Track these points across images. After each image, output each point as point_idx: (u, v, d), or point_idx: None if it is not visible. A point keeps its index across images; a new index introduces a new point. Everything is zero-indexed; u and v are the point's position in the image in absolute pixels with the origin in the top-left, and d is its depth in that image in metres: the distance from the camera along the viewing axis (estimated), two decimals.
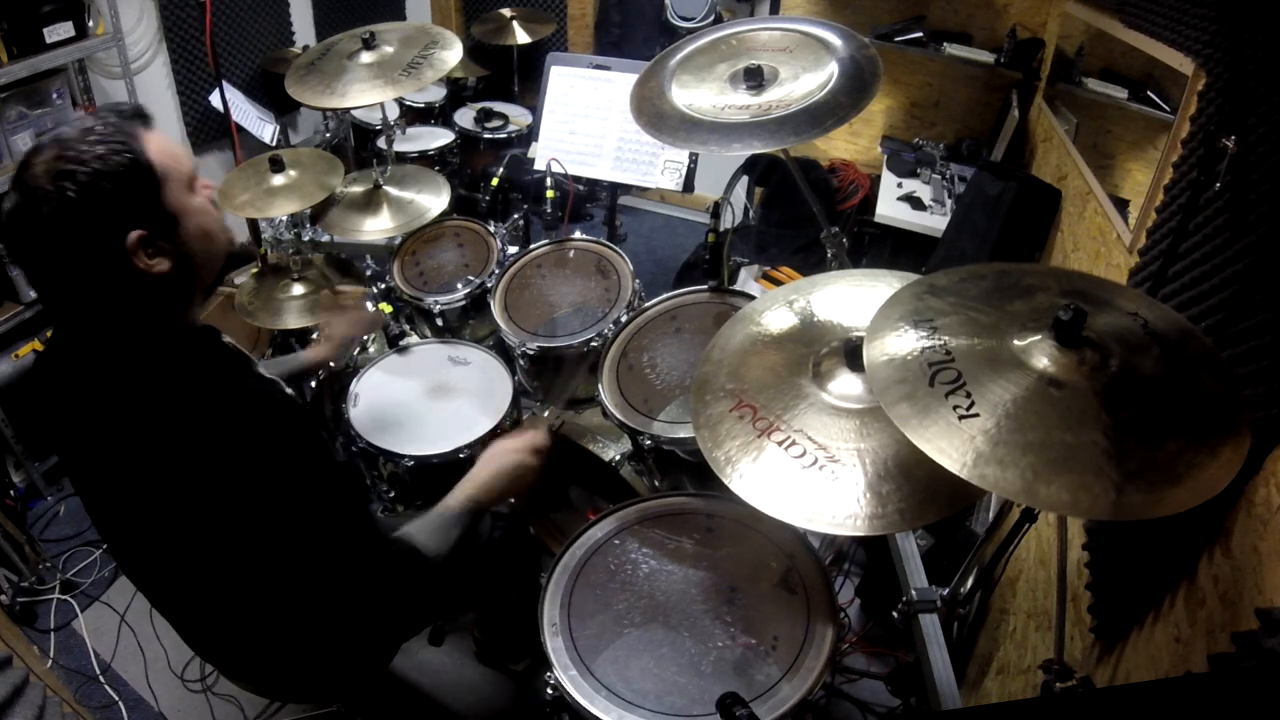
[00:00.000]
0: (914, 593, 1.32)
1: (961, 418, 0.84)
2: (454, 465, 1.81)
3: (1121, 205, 1.78)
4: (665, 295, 1.85)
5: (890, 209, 3.00)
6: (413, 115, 3.46)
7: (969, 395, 0.85)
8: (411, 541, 1.22)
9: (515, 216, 2.60)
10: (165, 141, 1.05)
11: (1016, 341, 0.90)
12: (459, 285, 2.17)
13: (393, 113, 2.28)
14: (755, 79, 1.44)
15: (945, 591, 1.28)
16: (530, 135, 2.50)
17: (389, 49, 2.08)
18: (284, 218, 2.38)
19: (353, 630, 1.24)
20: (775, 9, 3.50)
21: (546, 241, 2.17)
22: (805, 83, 1.41)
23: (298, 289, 2.18)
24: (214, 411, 1.01)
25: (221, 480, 1.01)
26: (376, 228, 2.21)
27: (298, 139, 3.80)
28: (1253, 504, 0.95)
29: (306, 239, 2.36)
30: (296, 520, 1.05)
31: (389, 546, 1.18)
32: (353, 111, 3.18)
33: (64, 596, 2.28)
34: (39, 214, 0.95)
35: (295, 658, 1.33)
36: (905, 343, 0.95)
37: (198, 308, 1.14)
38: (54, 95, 2.52)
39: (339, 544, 1.09)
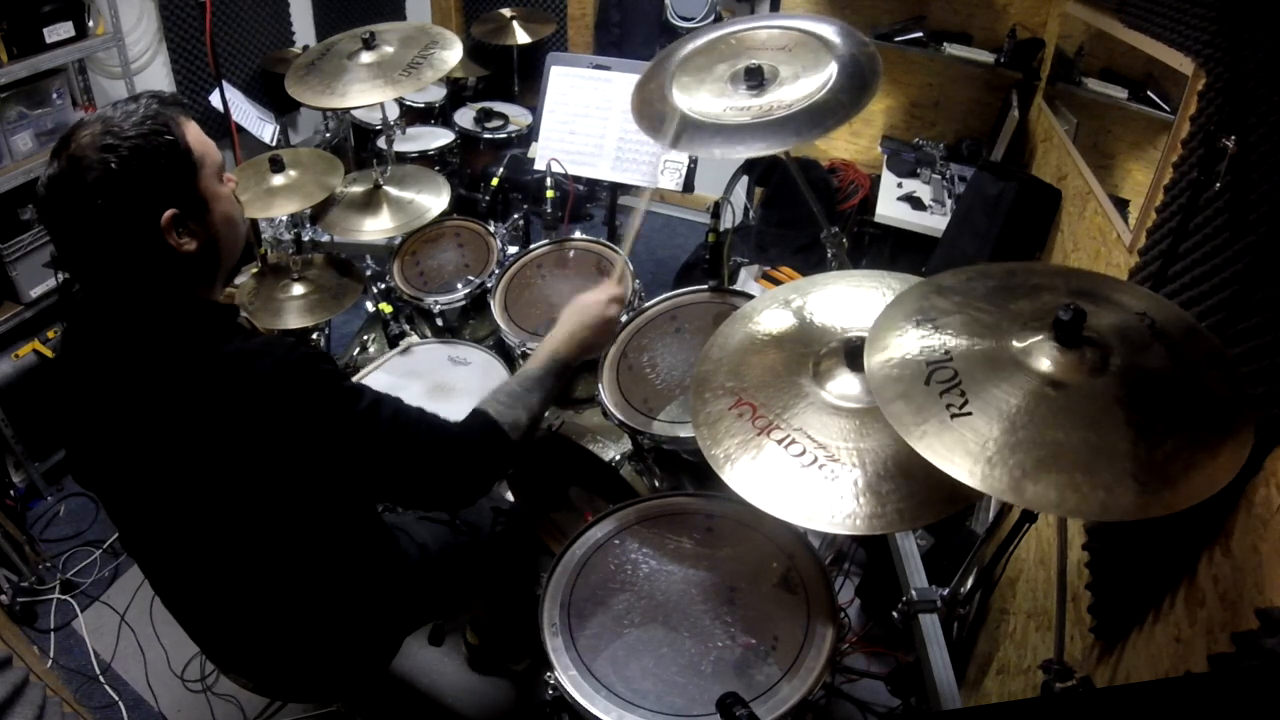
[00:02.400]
0: (914, 593, 1.32)
1: (954, 416, 0.84)
2: None
3: (1121, 205, 1.78)
4: (665, 295, 1.85)
5: (890, 209, 3.00)
6: (413, 115, 3.46)
7: (963, 394, 0.86)
8: (486, 415, 1.22)
9: (515, 216, 2.60)
10: (200, 132, 1.10)
11: (1016, 342, 0.90)
12: (459, 285, 2.17)
13: (393, 113, 2.28)
14: (755, 79, 1.44)
15: (945, 591, 1.28)
16: (530, 135, 2.50)
17: (389, 49, 2.08)
18: (284, 218, 2.38)
19: (432, 494, 1.22)
20: (775, 8, 3.50)
21: (546, 241, 2.17)
22: (805, 83, 1.41)
23: (298, 289, 2.18)
24: (249, 362, 1.04)
25: (260, 427, 1.03)
26: (376, 228, 2.21)
27: (298, 139, 3.80)
28: (1253, 504, 0.95)
29: (306, 239, 2.36)
30: (347, 442, 1.08)
31: (455, 432, 1.18)
32: (353, 111, 3.18)
33: (64, 596, 2.28)
34: (82, 182, 0.99)
35: (299, 649, 1.34)
36: (905, 342, 0.95)
37: (219, 292, 1.19)
38: (54, 95, 2.52)
39: (393, 450, 1.10)
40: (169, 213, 1.03)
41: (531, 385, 1.31)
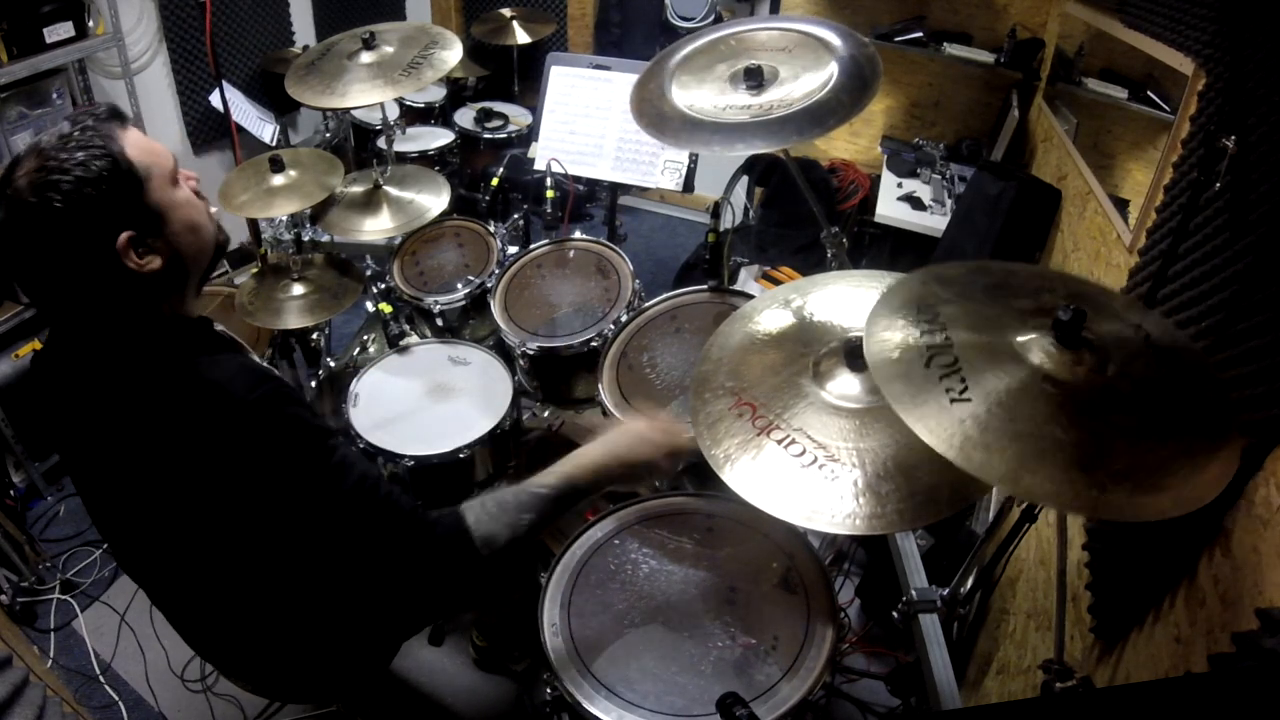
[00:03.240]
0: (914, 593, 1.32)
1: (953, 401, 0.84)
2: (454, 465, 1.82)
3: (1121, 205, 1.78)
4: (665, 295, 1.85)
5: (890, 209, 3.00)
6: (413, 115, 3.46)
7: (963, 380, 0.86)
8: (462, 518, 1.09)
9: (515, 216, 2.59)
10: (142, 139, 1.04)
11: (1017, 337, 0.90)
12: (459, 285, 2.17)
13: (393, 113, 2.28)
14: (755, 79, 1.44)
15: (945, 591, 1.28)
16: (530, 135, 2.50)
17: (389, 49, 2.08)
18: (284, 218, 2.38)
19: (369, 614, 1.18)
20: (775, 9, 3.50)
21: (546, 241, 2.17)
22: (806, 82, 1.41)
23: (298, 289, 2.18)
24: (208, 397, 1.00)
25: (219, 466, 1.01)
26: (376, 228, 2.21)
27: (298, 139, 3.80)
28: (1253, 504, 0.95)
29: (306, 239, 2.36)
30: (303, 502, 1.03)
31: (423, 522, 1.07)
32: (353, 111, 3.18)
33: (64, 596, 2.28)
34: (25, 228, 0.96)
35: (295, 655, 1.33)
36: (906, 327, 0.95)
37: (192, 299, 1.14)
38: (54, 95, 2.52)
39: (350, 521, 1.03)
40: (124, 236, 0.99)
41: (530, 505, 1.13)
